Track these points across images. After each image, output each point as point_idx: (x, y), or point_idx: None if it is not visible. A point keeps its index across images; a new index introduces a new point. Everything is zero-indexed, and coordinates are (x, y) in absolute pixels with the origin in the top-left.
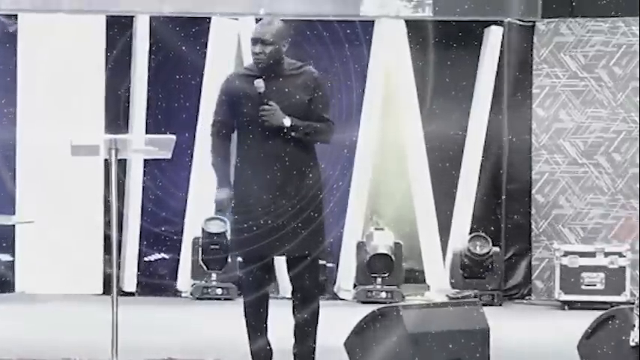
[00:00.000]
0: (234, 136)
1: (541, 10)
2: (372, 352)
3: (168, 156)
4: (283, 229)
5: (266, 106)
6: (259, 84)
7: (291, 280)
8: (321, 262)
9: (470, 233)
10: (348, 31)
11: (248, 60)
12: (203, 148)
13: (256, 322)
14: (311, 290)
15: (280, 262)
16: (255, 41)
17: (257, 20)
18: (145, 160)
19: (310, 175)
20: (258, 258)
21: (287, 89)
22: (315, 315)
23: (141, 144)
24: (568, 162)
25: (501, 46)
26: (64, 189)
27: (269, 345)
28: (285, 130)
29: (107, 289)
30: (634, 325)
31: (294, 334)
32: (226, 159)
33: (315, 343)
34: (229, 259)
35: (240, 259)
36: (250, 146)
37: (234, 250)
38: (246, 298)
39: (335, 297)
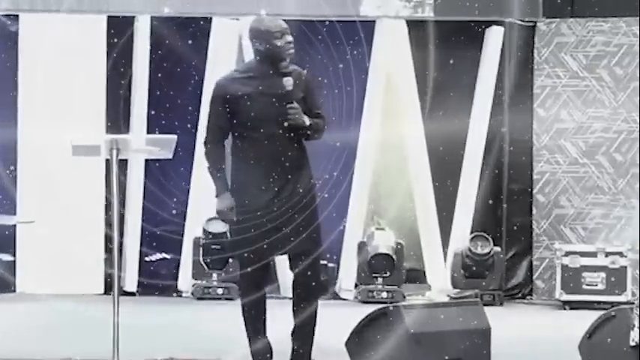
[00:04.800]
0: (227, 141)
1: (542, 10)
2: (373, 352)
3: (169, 156)
4: (280, 230)
5: (295, 105)
6: (288, 82)
7: (293, 279)
8: (322, 262)
9: (471, 233)
10: (349, 31)
11: (249, 60)
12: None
13: (255, 322)
14: (309, 289)
15: (280, 262)
16: (281, 33)
17: None
18: (146, 160)
19: (304, 173)
20: (256, 259)
21: (286, 87)
22: (314, 314)
23: (142, 144)
24: (569, 162)
25: (502, 46)
26: (65, 189)
27: (269, 345)
28: (302, 130)
29: (108, 289)
30: (634, 325)
31: (292, 333)
32: (223, 165)
33: (312, 342)
34: (230, 259)
35: (238, 260)
36: (246, 148)
37: (234, 251)
38: (244, 299)
39: (336, 297)
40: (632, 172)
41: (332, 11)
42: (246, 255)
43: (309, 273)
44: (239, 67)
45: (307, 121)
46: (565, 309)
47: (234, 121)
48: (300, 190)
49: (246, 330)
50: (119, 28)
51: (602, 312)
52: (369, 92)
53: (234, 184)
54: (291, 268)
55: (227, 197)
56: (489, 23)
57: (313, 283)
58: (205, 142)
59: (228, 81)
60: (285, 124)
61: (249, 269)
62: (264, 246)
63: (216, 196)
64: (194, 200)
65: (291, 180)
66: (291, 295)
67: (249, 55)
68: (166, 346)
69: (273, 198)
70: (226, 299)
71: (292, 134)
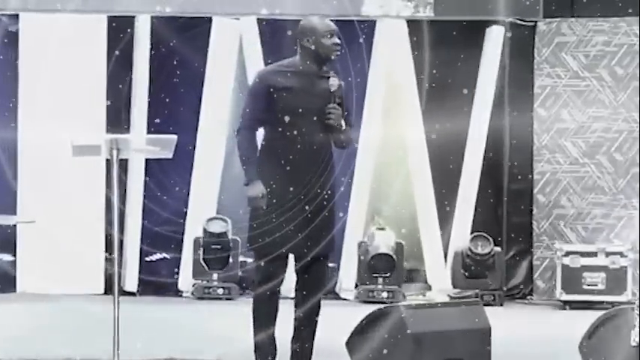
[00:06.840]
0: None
1: (542, 10)
2: (373, 352)
3: (170, 156)
4: (304, 227)
5: (336, 106)
6: (335, 82)
7: (298, 278)
8: None
9: (471, 233)
10: (350, 31)
11: (250, 60)
12: (204, 148)
13: (266, 319)
14: (316, 289)
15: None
16: (331, 34)
17: (258, 20)
18: (147, 160)
19: (329, 177)
20: (276, 255)
21: (328, 90)
22: (316, 316)
23: (142, 144)
24: (569, 162)
25: (502, 46)
26: (66, 189)
27: (275, 343)
28: (337, 133)
29: (108, 289)
30: (634, 325)
31: (294, 332)
32: (255, 155)
33: (313, 344)
34: (230, 259)
35: (253, 255)
36: (278, 143)
37: (252, 245)
38: (257, 296)
39: (336, 297)
40: (632, 172)
41: (332, 11)
42: (265, 250)
43: (315, 275)
44: (282, 62)
45: (344, 124)
46: (565, 309)
47: (271, 114)
48: (325, 193)
49: (254, 325)
50: (119, 28)
51: (602, 312)
52: (369, 92)
53: (260, 177)
54: (296, 270)
55: (259, 184)
56: (489, 23)
57: (318, 286)
58: (239, 130)
59: (272, 73)
60: (323, 122)
61: (266, 265)
62: (285, 243)
63: (246, 184)
64: (194, 200)
65: (317, 181)
66: (291, 295)
67: (250, 55)
68: (166, 346)
69: (298, 196)
70: (226, 299)
71: (326, 136)
